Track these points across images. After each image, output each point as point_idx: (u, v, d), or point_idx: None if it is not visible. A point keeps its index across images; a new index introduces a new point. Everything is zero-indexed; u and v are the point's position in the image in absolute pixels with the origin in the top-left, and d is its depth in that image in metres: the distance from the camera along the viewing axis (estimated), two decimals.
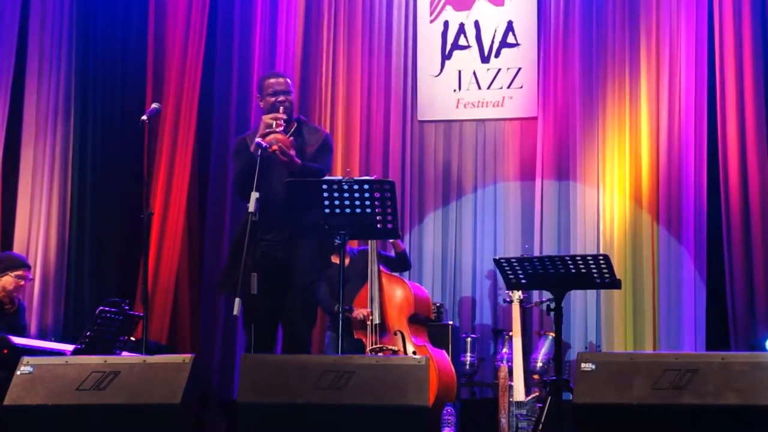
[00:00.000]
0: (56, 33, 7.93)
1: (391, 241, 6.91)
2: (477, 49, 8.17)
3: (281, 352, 5.44)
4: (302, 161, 5.14)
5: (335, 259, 5.70)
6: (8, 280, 6.65)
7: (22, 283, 6.75)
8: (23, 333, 6.71)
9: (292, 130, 5.28)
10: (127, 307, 6.46)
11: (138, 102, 7.95)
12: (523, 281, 5.20)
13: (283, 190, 4.93)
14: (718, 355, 4.00)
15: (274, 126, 5.07)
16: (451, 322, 7.43)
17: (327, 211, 4.75)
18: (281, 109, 5.22)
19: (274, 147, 4.99)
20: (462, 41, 8.20)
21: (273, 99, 5.28)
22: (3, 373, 5.08)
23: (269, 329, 5.24)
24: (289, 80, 5.41)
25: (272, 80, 5.36)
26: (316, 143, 5.34)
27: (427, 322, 6.75)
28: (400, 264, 6.93)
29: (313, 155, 5.28)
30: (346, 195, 4.73)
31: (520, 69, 8.07)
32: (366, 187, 4.74)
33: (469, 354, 7.36)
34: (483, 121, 8.12)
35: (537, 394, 6.74)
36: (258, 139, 5.01)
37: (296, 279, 5.19)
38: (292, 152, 5.07)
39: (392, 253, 6.98)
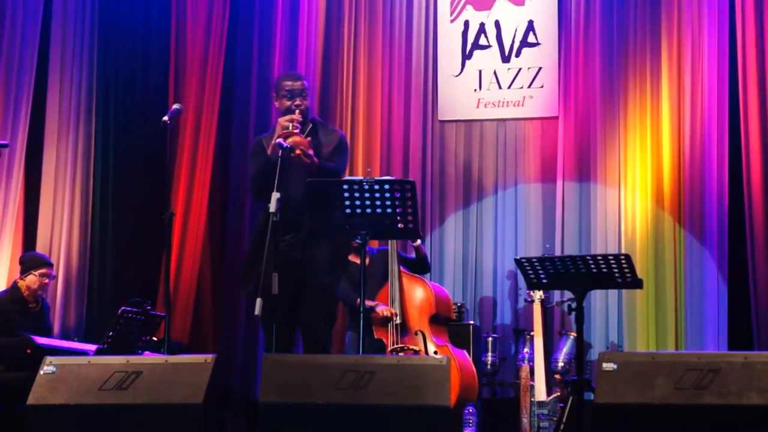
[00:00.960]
0: (78, 34, 7.97)
1: (413, 244, 6.91)
2: (497, 48, 8.15)
3: (302, 353, 5.45)
4: (319, 161, 5.14)
5: (353, 258, 5.69)
6: (32, 279, 6.70)
7: (46, 281, 6.80)
8: (48, 333, 6.75)
9: (308, 130, 5.28)
10: (149, 308, 6.51)
11: (159, 103, 7.97)
12: (544, 281, 5.19)
13: (301, 190, 4.93)
14: (741, 355, 3.98)
15: (290, 128, 5.06)
16: (472, 322, 7.42)
17: (348, 211, 4.75)
18: (297, 112, 5.21)
19: (297, 151, 4.98)
20: (482, 41, 8.19)
21: (289, 103, 5.27)
22: (26, 372, 5.12)
23: (288, 329, 5.24)
24: (305, 82, 5.36)
25: (288, 82, 5.33)
26: (331, 144, 5.33)
27: (448, 322, 6.75)
28: (419, 266, 6.89)
29: (328, 155, 5.26)
30: (367, 195, 4.71)
31: (540, 68, 8.05)
32: (386, 187, 4.72)
33: (490, 354, 7.33)
34: (504, 120, 8.10)
35: (558, 393, 6.72)
36: (279, 140, 5.00)
37: (315, 279, 5.18)
38: (311, 152, 5.07)
39: (412, 255, 6.97)
